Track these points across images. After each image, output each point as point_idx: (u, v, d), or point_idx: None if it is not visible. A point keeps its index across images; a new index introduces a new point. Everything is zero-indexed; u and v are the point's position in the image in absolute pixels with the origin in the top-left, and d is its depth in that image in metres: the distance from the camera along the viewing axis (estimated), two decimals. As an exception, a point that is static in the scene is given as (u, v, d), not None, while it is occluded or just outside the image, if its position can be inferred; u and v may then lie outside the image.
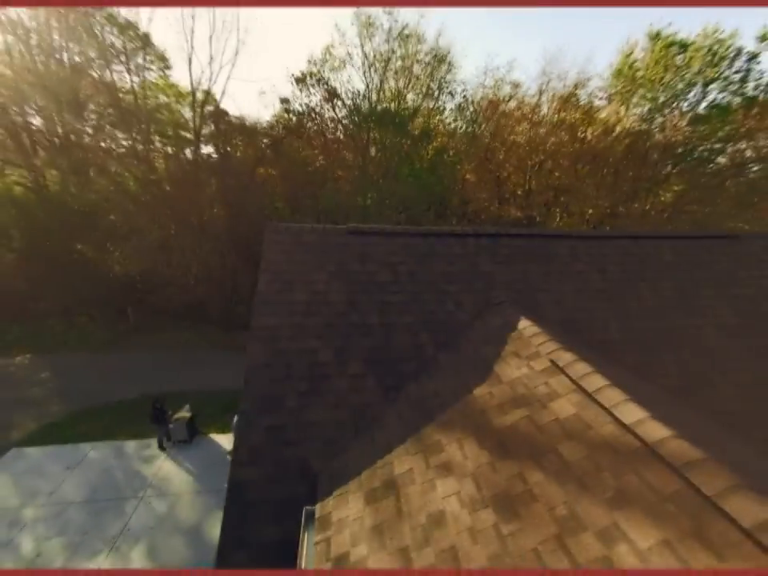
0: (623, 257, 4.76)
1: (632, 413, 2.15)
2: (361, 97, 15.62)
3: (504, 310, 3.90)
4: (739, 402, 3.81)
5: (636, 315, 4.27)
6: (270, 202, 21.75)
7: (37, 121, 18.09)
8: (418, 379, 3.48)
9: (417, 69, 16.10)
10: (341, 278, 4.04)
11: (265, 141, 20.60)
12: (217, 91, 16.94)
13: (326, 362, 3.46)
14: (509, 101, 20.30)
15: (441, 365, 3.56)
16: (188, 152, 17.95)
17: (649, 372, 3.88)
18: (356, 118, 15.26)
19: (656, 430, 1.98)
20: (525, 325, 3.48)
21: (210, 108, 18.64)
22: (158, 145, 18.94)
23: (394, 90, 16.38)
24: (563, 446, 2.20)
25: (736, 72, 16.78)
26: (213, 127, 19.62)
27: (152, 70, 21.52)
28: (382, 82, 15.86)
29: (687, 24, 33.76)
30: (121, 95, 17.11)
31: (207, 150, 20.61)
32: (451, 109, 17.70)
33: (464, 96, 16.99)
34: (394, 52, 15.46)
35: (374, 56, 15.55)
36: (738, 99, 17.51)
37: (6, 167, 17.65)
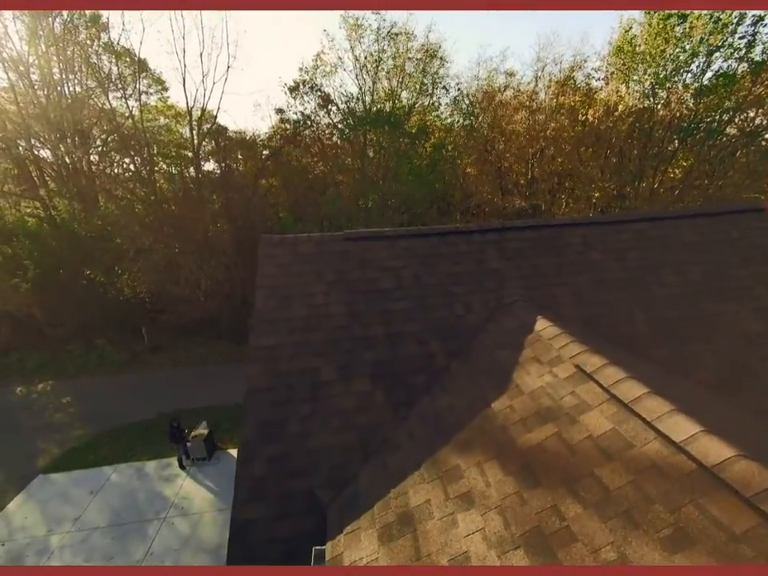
0: (641, 241, 4.41)
1: (681, 427, 1.84)
2: (354, 99, 15.43)
3: (518, 309, 3.61)
4: (788, 393, 3.44)
5: (662, 304, 3.92)
6: (273, 213, 21.74)
7: (44, 153, 18.48)
8: (431, 392, 3.21)
9: (409, 66, 15.85)
10: (340, 288, 3.79)
11: (264, 152, 20.60)
12: (212, 107, 16.94)
13: (329, 381, 3.22)
14: (504, 90, 19.88)
15: (453, 375, 3.28)
16: (190, 170, 18.02)
17: (683, 366, 3.54)
18: (351, 121, 15.06)
19: (714, 449, 1.67)
20: (543, 325, 3.18)
21: (207, 125, 18.72)
22: (161, 166, 19.11)
23: (387, 90, 16.15)
24: (602, 470, 1.91)
25: (741, 37, 16.04)
26: (212, 144, 19.70)
27: (150, 93, 21.81)
28: (374, 83, 15.65)
29: None
30: (121, 120, 17.30)
31: (208, 166, 20.75)
32: (447, 103, 17.38)
33: (458, 89, 16.65)
34: (384, 51, 15.23)
35: (365, 57, 15.35)
36: (744, 66, 16.75)
37: (19, 200, 18.03)
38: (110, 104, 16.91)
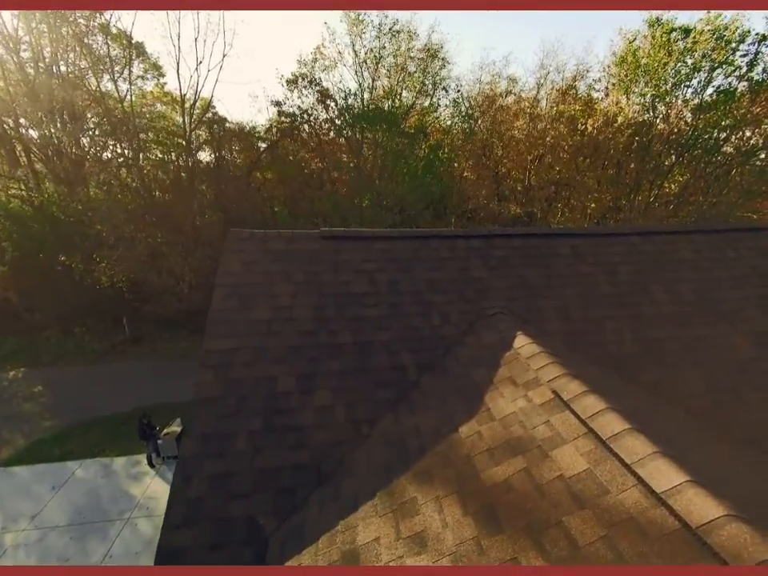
0: (633, 256, 4.19)
1: (664, 474, 1.59)
2: (352, 96, 15.14)
3: (498, 322, 3.35)
4: (778, 425, 3.23)
5: (652, 324, 3.70)
6: (268, 207, 21.36)
7: (32, 133, 17.89)
8: (396, 410, 2.94)
9: (409, 65, 15.58)
10: (310, 290, 3.51)
11: (260, 145, 20.23)
12: (206, 95, 16.53)
13: (286, 393, 2.93)
14: (506, 96, 19.73)
15: (424, 392, 3.02)
16: (181, 158, 17.57)
17: (672, 391, 3.32)
18: (348, 118, 14.76)
19: (701, 505, 1.42)
20: (522, 342, 2.93)
21: (204, 113, 18.29)
22: (153, 152, 18.63)
23: (386, 88, 15.87)
24: (572, 520, 1.65)
25: (743, 55, 16.04)
26: (207, 132, 19.28)
27: (147, 78, 21.28)
28: (374, 80, 15.36)
29: (683, 14, 32.84)
30: (112, 104, 16.79)
31: (202, 156, 20.31)
32: (446, 105, 17.17)
33: (458, 90, 16.43)
34: (384, 48, 14.94)
35: (365, 53, 15.06)
36: (744, 85, 16.77)
37: (7, 181, 17.43)
38: (99, 87, 16.41)
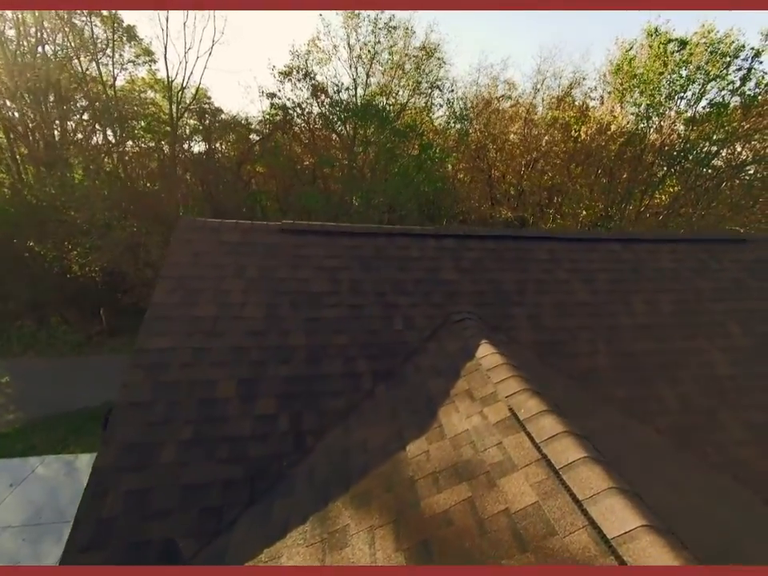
0: (613, 263, 4.00)
1: (618, 515, 1.37)
2: (344, 90, 14.85)
3: (464, 329, 3.12)
4: (752, 447, 3.05)
5: (628, 336, 3.50)
6: (256, 200, 20.95)
7: (15, 113, 17.20)
8: (346, 421, 2.68)
9: (404, 63, 15.34)
10: (263, 287, 3.24)
11: (250, 137, 19.82)
12: (195, 83, 16.09)
13: (225, 399, 2.66)
14: (502, 99, 19.61)
15: (378, 402, 2.77)
16: (165, 146, 17.08)
17: (645, 409, 3.12)
18: (340, 113, 14.47)
19: (656, 555, 1.20)
20: (485, 352, 2.70)
21: (192, 102, 17.83)
22: (139, 139, 18.08)
23: (380, 85, 15.62)
24: (511, 563, 1.42)
25: (738, 69, 16.16)
26: (197, 121, 18.81)
27: (138, 63, 20.68)
28: (368, 75, 15.10)
29: (681, 24, 33.24)
30: (98, 88, 16.24)
31: (189, 145, 19.81)
32: (440, 105, 16.99)
33: (451, 90, 16.25)
34: (379, 43, 14.69)
35: (360, 48, 14.79)
36: (736, 99, 16.90)
37: None
38: (83, 70, 15.86)
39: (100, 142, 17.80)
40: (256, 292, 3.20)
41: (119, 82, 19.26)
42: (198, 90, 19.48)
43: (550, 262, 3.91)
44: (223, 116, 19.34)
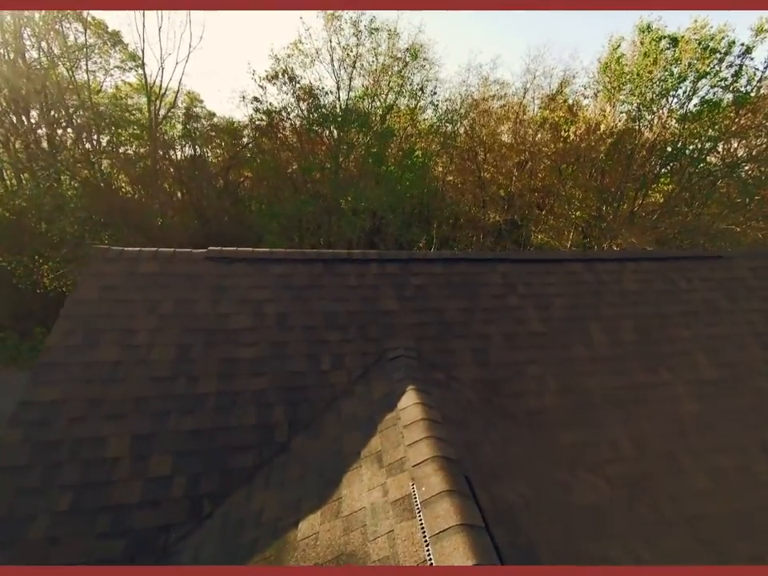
0: (572, 286, 3.70)
1: None
2: (327, 94, 14.54)
3: (396, 369, 2.83)
4: (714, 502, 2.76)
5: (582, 370, 3.21)
6: (244, 207, 20.71)
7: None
8: (252, 483, 2.40)
9: (389, 65, 15.03)
10: (177, 324, 2.95)
11: (235, 141, 19.59)
12: (174, 87, 15.78)
13: (114, 459, 2.38)
14: (492, 100, 19.29)
15: (290, 458, 2.48)
16: (148, 152, 16.81)
17: (596, 455, 2.82)
18: (318, 118, 14.17)
19: None
20: (407, 402, 2.41)
21: (172, 107, 17.55)
22: (120, 145, 17.82)
23: (365, 87, 15.32)
24: None
25: (729, 66, 15.83)
26: (181, 125, 18.57)
27: (125, 69, 20.42)
28: (351, 79, 14.80)
29: (673, 22, 32.86)
30: (84, 94, 15.97)
31: (174, 150, 19.55)
32: (425, 107, 16.67)
33: (434, 93, 15.92)
34: (363, 45, 14.40)
35: (342, 50, 14.47)
36: (729, 96, 16.55)
37: None
38: (69, 76, 15.60)
39: (88, 149, 17.58)
40: (167, 331, 2.91)
41: (104, 89, 19.04)
42: (188, 94, 19.24)
43: (502, 286, 3.61)
44: (209, 120, 19.12)
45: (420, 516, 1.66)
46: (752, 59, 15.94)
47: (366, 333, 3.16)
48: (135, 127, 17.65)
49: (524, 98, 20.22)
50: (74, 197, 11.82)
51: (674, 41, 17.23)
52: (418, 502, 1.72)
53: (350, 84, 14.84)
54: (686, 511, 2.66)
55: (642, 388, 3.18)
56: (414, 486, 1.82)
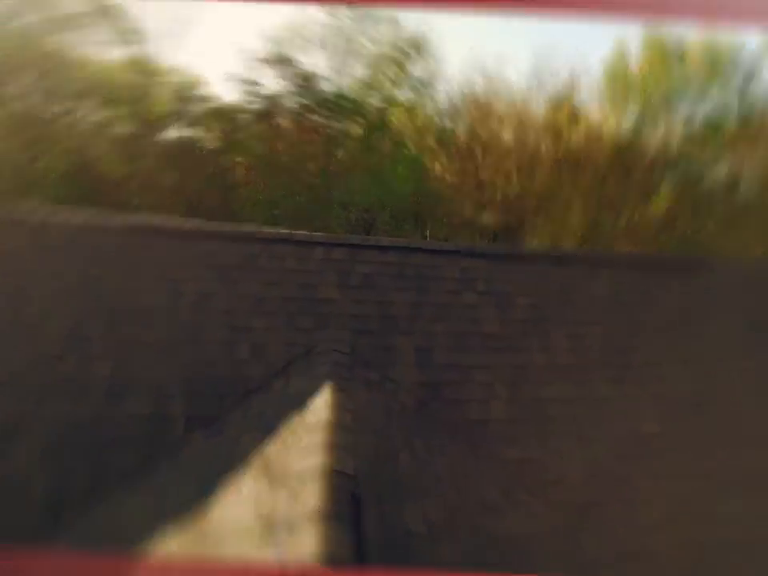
0: (537, 287, 3.37)
1: None
2: (319, 81, 14.19)
3: (320, 364, 2.49)
4: (670, 536, 2.43)
5: (537, 379, 2.87)
6: (234, 195, 20.32)
7: None
8: (132, 486, 2.05)
9: (388, 54, 14.70)
10: (80, 297, 2.60)
11: (227, 127, 19.16)
12: (165, 65, 15.39)
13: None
14: (494, 99, 18.96)
15: (179, 460, 2.14)
16: (139, 129, 16.39)
17: (541, 476, 2.49)
18: (314, 103, 13.82)
19: None
20: (319, 403, 2.07)
21: (173, 84, 17.14)
22: (117, 122, 17.40)
23: (362, 78, 14.99)
24: None
25: (740, 80, 15.55)
26: (170, 105, 18.12)
27: (123, 42, 19.93)
28: (347, 67, 14.45)
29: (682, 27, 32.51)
30: (82, 67, 15.53)
31: (165, 131, 19.11)
32: (423, 101, 16.33)
33: (426, 87, 15.61)
34: (363, 33, 14.04)
35: (340, 36, 14.12)
36: (734, 109, 16.30)
37: None
38: (62, 47, 15.11)
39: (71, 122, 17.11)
40: (67, 303, 2.55)
41: (103, 62, 18.58)
42: (180, 73, 18.76)
43: (459, 281, 3.27)
44: (203, 102, 18.68)
45: (277, 546, 1.32)
46: (755, 79, 15.67)
47: (296, 322, 2.81)
48: (123, 105, 17.21)
49: (527, 99, 19.92)
50: (54, 172, 11.40)
51: (682, 54, 16.98)
52: (282, 525, 1.38)
53: (343, 71, 14.49)
54: (637, 545, 2.34)
55: (602, 401, 2.85)
56: (288, 504, 1.48)
